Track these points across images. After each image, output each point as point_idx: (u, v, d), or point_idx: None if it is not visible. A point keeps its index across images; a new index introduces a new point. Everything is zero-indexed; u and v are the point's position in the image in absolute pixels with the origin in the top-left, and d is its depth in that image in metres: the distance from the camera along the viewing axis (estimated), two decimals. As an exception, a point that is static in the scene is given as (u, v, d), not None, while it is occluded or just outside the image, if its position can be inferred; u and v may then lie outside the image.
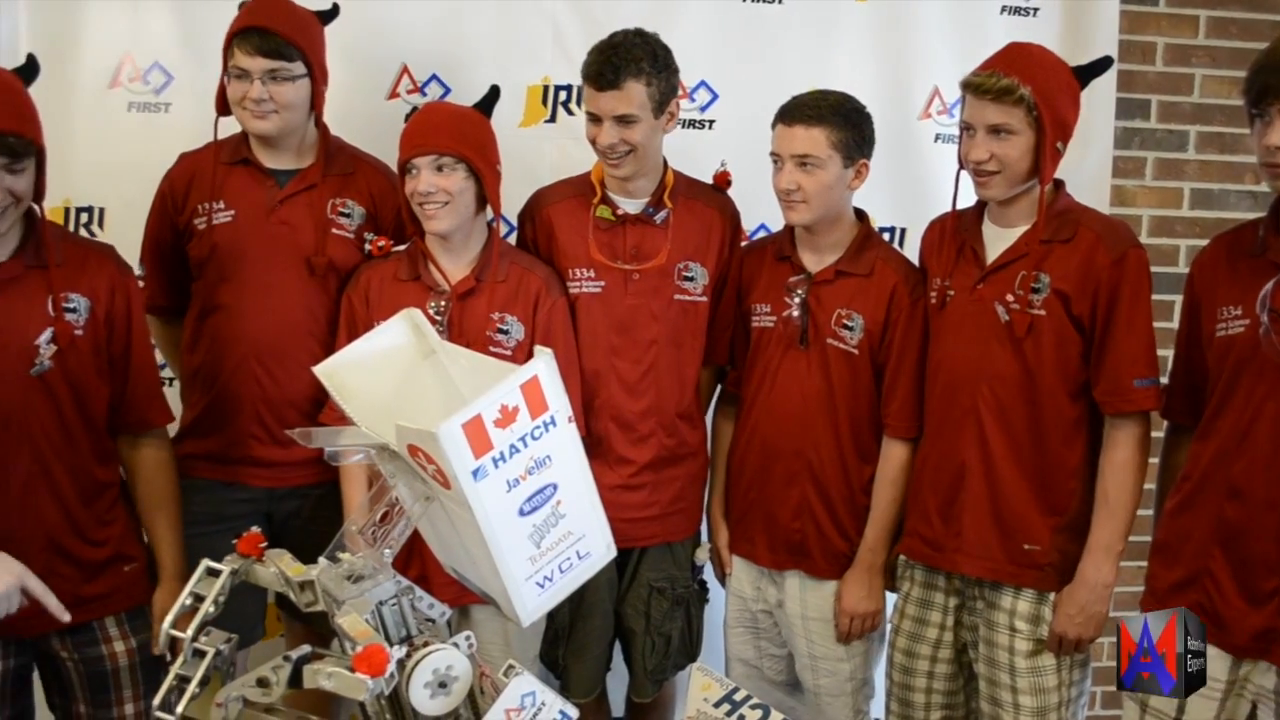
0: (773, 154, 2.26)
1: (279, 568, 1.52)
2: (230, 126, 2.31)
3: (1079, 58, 2.21)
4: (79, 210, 2.72)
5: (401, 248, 2.32)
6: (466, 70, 2.79)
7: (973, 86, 2.07)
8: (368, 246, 2.33)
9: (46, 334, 1.92)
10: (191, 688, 1.44)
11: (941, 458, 2.20)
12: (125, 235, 2.42)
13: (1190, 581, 1.95)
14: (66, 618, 1.66)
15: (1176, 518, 2.01)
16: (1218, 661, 1.89)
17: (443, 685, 1.39)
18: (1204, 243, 2.09)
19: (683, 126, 2.64)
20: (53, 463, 1.95)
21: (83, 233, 2.69)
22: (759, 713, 1.80)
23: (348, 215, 2.34)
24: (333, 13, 2.40)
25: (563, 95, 2.87)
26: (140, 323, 2.08)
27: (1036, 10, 3.02)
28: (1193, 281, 2.05)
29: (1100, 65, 2.20)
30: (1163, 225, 3.21)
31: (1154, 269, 2.12)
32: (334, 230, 2.32)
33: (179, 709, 1.43)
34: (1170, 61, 3.15)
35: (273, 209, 2.30)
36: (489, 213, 2.28)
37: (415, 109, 2.66)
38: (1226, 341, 1.91)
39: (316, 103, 2.30)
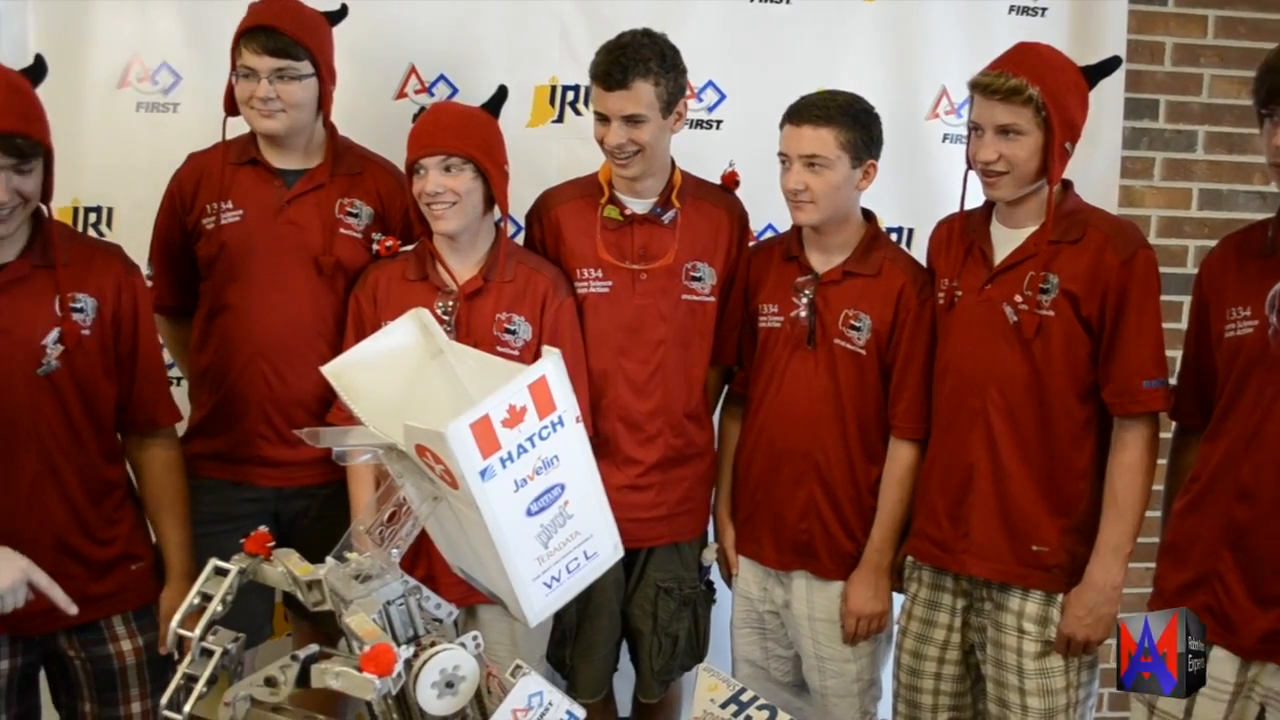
0: (780, 154, 2.26)
1: (286, 567, 1.53)
2: (239, 126, 2.32)
3: (1087, 58, 2.20)
4: (87, 210, 2.73)
5: (409, 248, 2.32)
6: (474, 70, 2.79)
7: (981, 86, 2.07)
8: (375, 246, 2.33)
9: (53, 334, 1.92)
10: (199, 687, 1.44)
11: (950, 459, 2.19)
12: (133, 235, 2.43)
13: (1199, 583, 1.94)
14: (73, 610, 1.66)
15: (1185, 519, 2.00)
16: (1226, 663, 1.88)
17: (450, 685, 1.39)
18: (1212, 243, 2.08)
19: (690, 127, 2.64)
20: (60, 462, 1.95)
21: (91, 232, 2.70)
22: (766, 713, 1.79)
23: (355, 215, 2.35)
24: (341, 13, 2.41)
25: (570, 95, 2.87)
26: (148, 322, 2.08)
27: (1045, 10, 3.01)
28: (1201, 282, 2.04)
29: (1108, 65, 2.19)
30: (1171, 226, 3.20)
31: (1162, 270, 2.12)
32: (342, 230, 2.33)
33: (186, 708, 1.43)
34: (1179, 61, 3.14)
35: (281, 209, 2.30)
36: (496, 213, 2.28)
37: (423, 109, 2.64)
38: (1235, 342, 1.90)
39: (324, 103, 2.30)
